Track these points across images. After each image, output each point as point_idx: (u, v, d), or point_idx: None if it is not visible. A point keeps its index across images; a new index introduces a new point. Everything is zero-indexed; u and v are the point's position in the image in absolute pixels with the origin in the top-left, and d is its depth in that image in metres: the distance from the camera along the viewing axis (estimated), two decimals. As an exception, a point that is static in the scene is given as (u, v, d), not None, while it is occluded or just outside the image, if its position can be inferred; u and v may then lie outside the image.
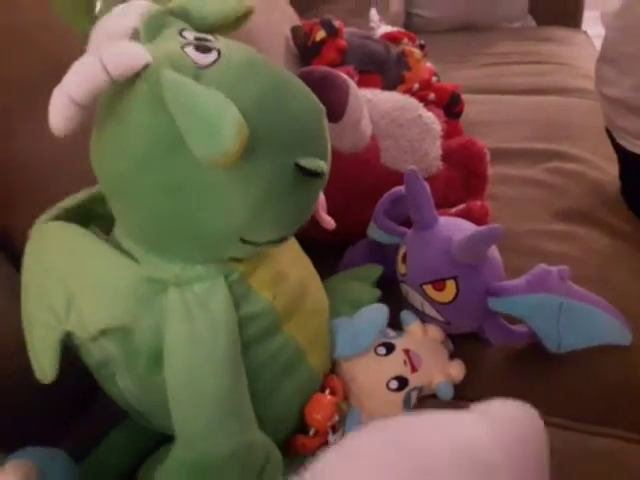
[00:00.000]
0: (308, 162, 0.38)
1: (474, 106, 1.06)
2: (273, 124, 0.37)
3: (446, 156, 0.75)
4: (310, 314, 0.50)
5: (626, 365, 0.56)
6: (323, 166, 0.39)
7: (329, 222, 0.52)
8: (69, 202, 0.46)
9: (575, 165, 0.88)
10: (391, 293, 0.59)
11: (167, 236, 0.40)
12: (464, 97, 0.96)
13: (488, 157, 0.75)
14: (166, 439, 0.47)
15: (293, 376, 0.47)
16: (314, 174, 0.38)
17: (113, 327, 0.41)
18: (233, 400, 0.41)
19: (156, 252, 0.42)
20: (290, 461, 0.48)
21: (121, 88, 0.37)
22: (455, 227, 0.55)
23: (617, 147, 0.80)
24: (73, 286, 0.41)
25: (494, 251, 0.55)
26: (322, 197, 0.53)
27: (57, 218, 0.44)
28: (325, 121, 0.41)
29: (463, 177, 0.75)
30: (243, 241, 0.40)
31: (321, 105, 0.41)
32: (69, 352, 0.44)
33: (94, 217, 0.46)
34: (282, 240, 0.44)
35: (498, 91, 1.24)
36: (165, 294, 0.41)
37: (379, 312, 0.54)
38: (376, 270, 0.62)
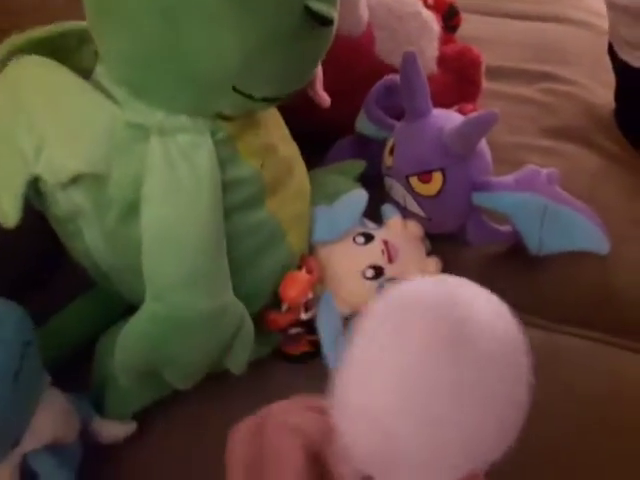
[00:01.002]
0: (318, 5, 0.34)
1: (471, 24, 1.01)
2: None
3: (442, 61, 0.72)
4: (294, 195, 0.49)
5: (602, 272, 0.57)
6: (334, 13, 0.36)
7: (325, 99, 0.49)
8: (38, 33, 0.42)
9: (568, 87, 0.86)
10: (375, 191, 0.57)
11: (153, 73, 0.37)
12: (462, 15, 0.92)
13: (484, 65, 0.72)
14: (133, 311, 0.44)
15: (271, 254, 0.46)
16: (323, 20, 0.35)
17: (86, 174, 0.38)
18: (211, 258, 0.39)
19: (140, 96, 0.39)
20: (261, 337, 0.47)
21: None
22: (448, 118, 0.53)
23: (618, 65, 0.78)
24: (46, 126, 0.38)
25: (484, 145, 0.54)
26: (320, 71, 0.50)
27: (23, 50, 0.40)
28: None
29: (457, 83, 0.72)
30: (235, 90, 0.37)
31: None
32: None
33: (69, 58, 0.42)
34: (276, 100, 0.41)
35: (497, 14, 1.19)
36: (146, 142, 0.38)
37: (358, 198, 0.52)
38: (359, 165, 0.60)
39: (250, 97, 0.38)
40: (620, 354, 0.51)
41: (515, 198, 0.52)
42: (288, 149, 0.49)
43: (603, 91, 0.87)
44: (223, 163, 0.40)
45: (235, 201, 0.42)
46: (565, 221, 0.53)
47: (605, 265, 0.57)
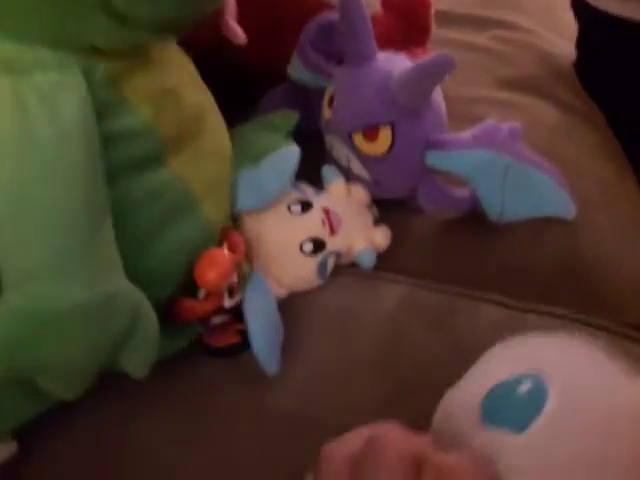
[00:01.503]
0: None
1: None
2: None
3: (386, 3, 0.63)
4: (207, 154, 0.41)
5: (568, 241, 0.51)
6: None
7: (240, 34, 0.41)
8: None
9: (524, 35, 0.79)
10: (314, 150, 0.50)
11: None
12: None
13: (433, 8, 0.64)
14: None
15: (180, 225, 0.38)
16: None
17: None
18: (85, 232, 0.30)
19: None
20: (174, 328, 0.40)
21: None
22: (396, 62, 0.45)
23: (581, 8, 0.72)
24: None
25: (439, 96, 0.47)
26: (232, 2, 0.41)
27: None
28: None
29: (403, 27, 0.64)
30: (106, 10, 0.29)
31: None
32: None
33: None
34: (163, 30, 0.33)
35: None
36: None
37: (288, 155, 0.45)
38: (291, 117, 0.51)
39: (124, 18, 0.30)
40: (586, 333, 0.45)
41: (474, 157, 0.45)
42: (196, 97, 0.41)
43: (561, 41, 0.81)
44: (102, 111, 0.32)
45: (123, 159, 0.34)
46: (529, 183, 0.47)
47: (571, 231, 0.51)
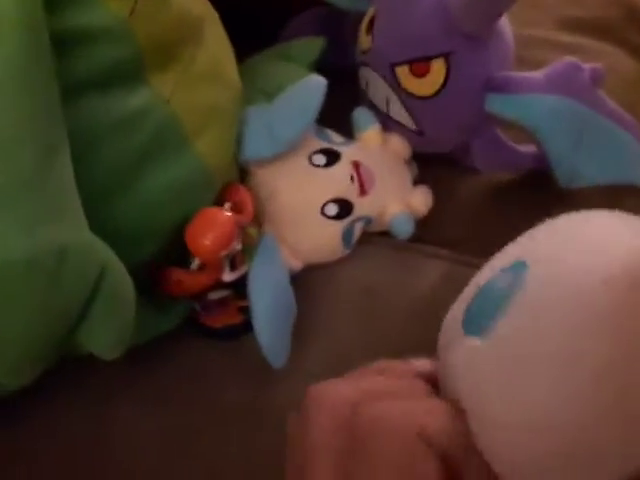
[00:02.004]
0: None
1: None
2: None
3: None
4: (203, 76, 0.35)
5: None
6: None
7: None
8: None
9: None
10: (344, 89, 0.43)
11: None
12: None
13: None
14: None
15: (164, 164, 0.32)
16: None
17: None
18: (27, 166, 0.24)
19: None
20: (160, 304, 0.34)
21: None
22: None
23: None
24: None
25: (506, 24, 0.40)
26: None
27: None
28: None
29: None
30: None
31: None
32: None
33: None
34: None
35: None
36: None
37: (311, 89, 0.38)
38: (315, 45, 0.44)
39: None
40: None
41: (546, 104, 0.38)
42: (192, 4, 0.34)
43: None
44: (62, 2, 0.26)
45: (85, 71, 0.29)
46: (609, 141, 0.41)
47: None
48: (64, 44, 0.27)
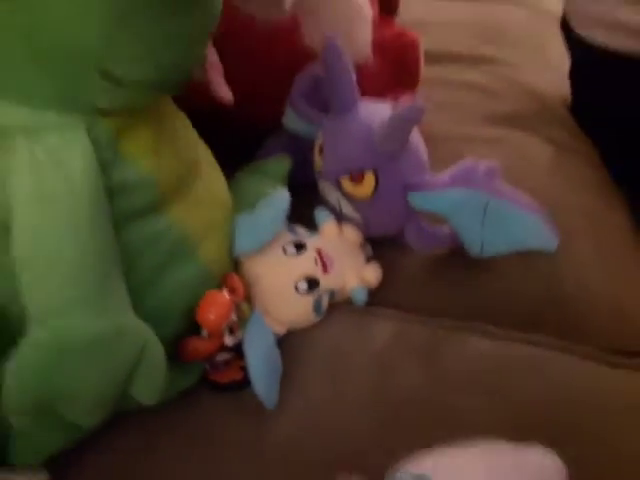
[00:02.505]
0: None
1: (410, 6, 0.98)
2: None
3: (377, 47, 0.67)
4: (204, 201, 0.44)
5: (551, 271, 0.54)
6: None
7: (226, 93, 0.45)
8: None
9: (514, 70, 0.84)
10: (310, 197, 0.54)
11: (7, 62, 0.32)
12: (399, -2, 0.87)
13: (422, 50, 0.68)
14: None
15: (179, 268, 0.42)
16: None
17: None
18: (97, 273, 0.35)
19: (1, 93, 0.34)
20: (183, 366, 0.44)
21: None
22: (376, 111, 0.48)
23: (574, 41, 0.75)
24: None
25: (417, 141, 0.50)
26: (217, 61, 0.46)
27: None
28: None
29: (394, 72, 0.68)
30: (103, 74, 0.33)
31: None
32: None
33: None
34: (156, 88, 0.37)
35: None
36: (10, 147, 0.34)
37: (280, 199, 0.48)
38: (283, 162, 0.54)
39: (120, 81, 0.34)
40: (569, 360, 0.48)
41: (452, 196, 0.47)
42: (194, 151, 0.45)
43: (550, 75, 0.85)
44: (106, 165, 0.36)
45: (126, 209, 0.38)
46: (508, 218, 0.49)
47: (554, 263, 0.54)
48: (112, 192, 0.36)
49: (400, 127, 0.45)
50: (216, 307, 0.42)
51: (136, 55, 0.33)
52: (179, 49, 0.35)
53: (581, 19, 0.72)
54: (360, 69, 0.59)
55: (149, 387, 0.39)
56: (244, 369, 0.44)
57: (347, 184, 0.49)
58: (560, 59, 0.82)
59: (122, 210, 0.38)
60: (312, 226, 0.51)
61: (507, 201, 0.49)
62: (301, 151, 0.56)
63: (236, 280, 0.45)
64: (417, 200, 0.48)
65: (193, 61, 0.38)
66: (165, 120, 0.42)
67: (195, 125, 0.48)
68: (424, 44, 0.71)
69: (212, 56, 0.46)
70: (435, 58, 0.84)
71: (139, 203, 0.39)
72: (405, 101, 0.59)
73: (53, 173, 0.33)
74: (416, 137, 0.49)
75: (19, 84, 0.34)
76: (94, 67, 0.33)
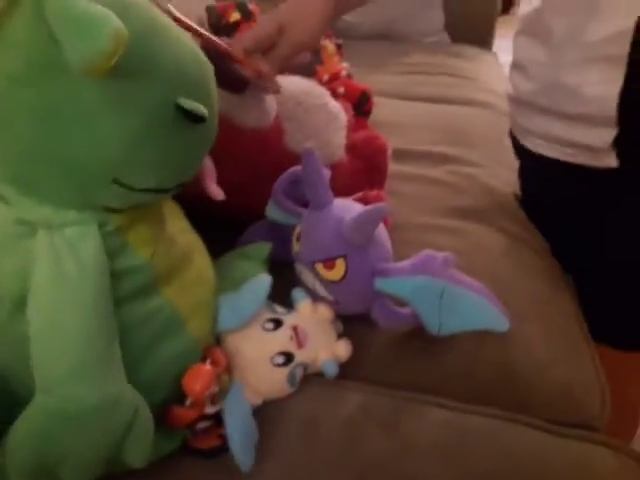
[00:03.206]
0: (189, 103, 0.38)
1: (383, 109, 1.09)
2: (156, 58, 0.38)
3: (351, 148, 0.76)
4: (193, 283, 0.50)
5: (503, 351, 0.59)
6: (203, 110, 0.39)
7: (217, 192, 0.51)
8: None
9: (472, 169, 0.93)
10: (287, 273, 0.59)
11: (37, 172, 0.39)
12: (375, 99, 0.98)
13: (390, 151, 0.77)
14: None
15: (169, 343, 0.46)
16: (194, 118, 0.38)
17: None
18: (100, 347, 0.39)
19: (27, 193, 0.40)
20: (166, 432, 0.47)
21: (6, 9, 0.36)
22: (347, 208, 0.56)
23: (519, 149, 0.85)
24: None
25: (383, 234, 0.57)
26: (211, 166, 0.53)
27: None
28: (212, 78, 0.42)
29: (366, 169, 0.76)
30: (117, 183, 0.39)
31: (209, 63, 0.43)
32: None
33: None
34: (160, 192, 0.43)
35: (407, 97, 1.28)
36: (33, 237, 0.40)
37: (261, 282, 0.53)
38: (265, 248, 0.61)
39: (131, 189, 0.40)
40: (519, 431, 0.53)
41: (412, 283, 0.53)
42: (185, 238, 0.51)
43: (505, 172, 0.95)
44: (112, 253, 0.42)
45: (126, 290, 0.43)
46: (463, 302, 0.54)
47: (506, 343, 0.60)
48: (115, 275, 0.41)
49: (366, 223, 0.52)
50: (200, 378, 0.46)
51: (146, 168, 0.40)
52: (184, 160, 0.42)
53: (523, 132, 0.83)
54: (335, 167, 0.68)
55: (139, 450, 0.43)
56: (222, 436, 0.48)
57: (321, 268, 0.55)
58: (514, 158, 0.92)
59: (122, 291, 0.43)
60: (289, 300, 0.56)
61: (461, 287, 0.55)
62: (279, 236, 0.63)
63: (218, 353, 0.50)
64: (381, 284, 0.54)
65: (195, 168, 0.44)
66: (162, 213, 0.49)
67: (186, 214, 0.54)
68: (394, 143, 0.81)
69: (206, 160, 0.53)
70: (403, 155, 0.94)
71: (137, 285, 0.44)
72: (374, 196, 0.66)
73: (68, 260, 0.39)
74: (382, 230, 0.56)
75: (45, 187, 0.40)
76: (110, 178, 0.39)
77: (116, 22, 0.33)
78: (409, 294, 0.54)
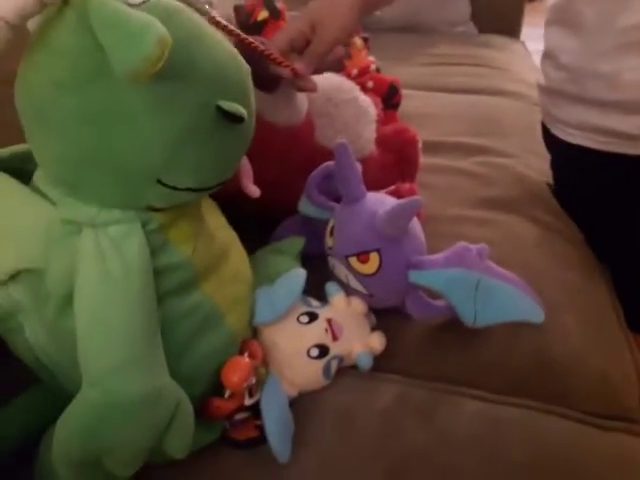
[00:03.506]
0: (229, 105, 0.39)
1: (412, 101, 1.09)
2: (197, 63, 0.39)
3: (381, 141, 0.76)
4: (230, 278, 0.51)
5: (538, 341, 0.59)
6: (243, 111, 0.40)
7: (254, 190, 0.52)
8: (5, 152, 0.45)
9: (504, 159, 0.92)
10: (320, 267, 0.60)
11: (84, 174, 0.40)
12: (403, 92, 0.97)
13: (420, 144, 0.77)
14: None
15: (209, 337, 0.47)
16: (234, 119, 0.39)
17: (24, 269, 0.41)
18: (144, 342, 0.41)
19: (73, 194, 0.42)
20: (206, 423, 0.48)
21: (52, 15, 0.37)
22: (381, 202, 0.56)
23: (552, 139, 0.84)
24: None
25: (416, 227, 0.57)
26: (247, 164, 0.54)
27: None
28: (249, 79, 0.43)
29: (396, 162, 0.76)
30: (161, 183, 0.41)
31: (246, 65, 0.43)
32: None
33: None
34: (201, 190, 0.44)
35: (436, 89, 1.27)
36: (79, 236, 0.41)
37: (296, 277, 0.54)
38: (298, 242, 0.62)
39: (174, 189, 0.42)
40: (558, 423, 0.52)
41: (447, 275, 0.54)
42: (223, 234, 0.52)
43: (537, 161, 0.93)
44: (154, 251, 0.43)
45: (168, 286, 0.44)
46: (498, 294, 0.55)
47: (541, 334, 0.59)
48: (157, 272, 0.42)
49: (400, 216, 0.52)
50: (239, 370, 0.47)
51: (188, 168, 0.41)
52: (224, 160, 0.43)
53: (555, 121, 0.82)
54: (365, 161, 0.68)
55: (180, 441, 0.44)
56: (260, 427, 0.49)
57: (355, 262, 0.55)
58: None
59: (164, 287, 0.44)
60: (322, 293, 0.57)
61: (496, 278, 0.55)
62: (312, 230, 0.64)
63: (256, 346, 0.51)
64: (416, 277, 0.54)
65: (235, 167, 0.45)
66: (201, 210, 0.50)
67: (223, 210, 0.55)
68: (423, 135, 0.80)
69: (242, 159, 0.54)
70: (433, 147, 0.93)
71: (178, 281, 0.45)
72: (405, 189, 0.66)
73: (113, 258, 0.40)
74: (415, 222, 0.56)
75: (90, 188, 0.41)
76: (154, 178, 0.41)
77: (160, 28, 0.34)
78: (444, 286, 0.54)
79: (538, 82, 0.84)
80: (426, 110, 1.10)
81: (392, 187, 0.68)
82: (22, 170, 0.46)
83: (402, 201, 0.51)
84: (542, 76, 0.82)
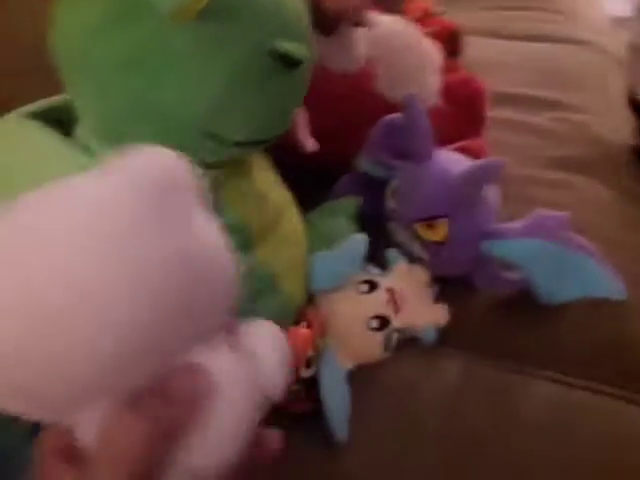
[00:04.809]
0: (287, 45, 0.35)
1: (475, 48, 1.00)
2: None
3: (444, 92, 0.70)
4: (285, 241, 0.48)
5: (617, 319, 0.54)
6: (303, 50, 0.36)
7: (311, 143, 0.48)
8: (37, 106, 0.41)
9: (578, 115, 0.84)
10: (379, 230, 0.56)
11: (126, 124, 0.37)
12: (465, 39, 0.90)
13: (488, 95, 0.71)
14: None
15: (266, 300, 0.45)
16: (291, 61, 0.35)
17: None
18: None
19: (115, 146, 0.38)
20: None
21: None
22: (453, 161, 0.51)
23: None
24: (19, 181, 0.36)
25: (490, 191, 0.52)
26: (304, 115, 0.49)
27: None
28: (308, 18, 0.39)
29: (461, 115, 0.70)
30: (210, 135, 0.37)
31: (304, 2, 0.39)
32: None
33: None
34: (255, 145, 0.41)
35: (499, 35, 1.17)
36: None
37: (358, 243, 0.50)
38: (352, 203, 0.57)
39: (225, 141, 0.38)
40: (635, 411, 0.48)
41: (525, 245, 0.49)
42: (277, 195, 0.48)
43: (612, 118, 0.85)
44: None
45: None
46: (578, 267, 0.50)
47: (619, 309, 0.54)
48: None
49: (480, 179, 0.47)
50: (296, 341, 0.44)
51: (241, 118, 0.37)
52: (278, 111, 0.39)
53: None
54: (429, 113, 0.62)
55: None
56: (313, 401, 0.46)
57: (421, 229, 0.51)
58: (622, 100, 0.83)
59: None
60: (380, 261, 0.53)
61: (578, 252, 0.50)
62: (371, 190, 0.59)
63: (314, 315, 0.48)
64: (490, 247, 0.50)
65: (291, 117, 0.41)
66: (255, 169, 0.46)
67: (276, 166, 0.51)
68: (490, 85, 0.73)
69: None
70: (497, 100, 0.86)
71: (232, 243, 0.42)
72: (476, 147, 0.60)
73: None
74: (491, 189, 0.51)
75: (134, 139, 0.37)
76: (203, 129, 0.37)
77: None
78: (521, 258, 0.50)
79: (629, 41, 0.75)
80: (491, 59, 1.02)
81: (459, 144, 0.62)
82: (62, 122, 0.43)
83: (482, 162, 0.46)
84: (633, 35, 0.73)
